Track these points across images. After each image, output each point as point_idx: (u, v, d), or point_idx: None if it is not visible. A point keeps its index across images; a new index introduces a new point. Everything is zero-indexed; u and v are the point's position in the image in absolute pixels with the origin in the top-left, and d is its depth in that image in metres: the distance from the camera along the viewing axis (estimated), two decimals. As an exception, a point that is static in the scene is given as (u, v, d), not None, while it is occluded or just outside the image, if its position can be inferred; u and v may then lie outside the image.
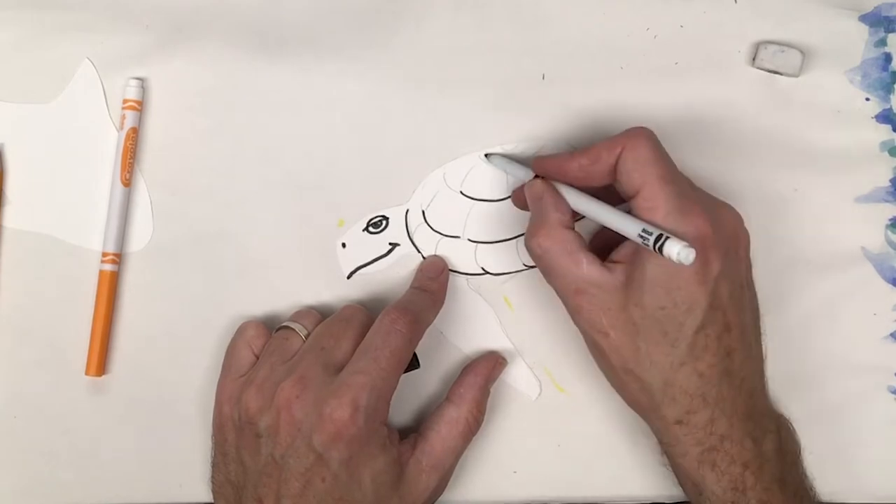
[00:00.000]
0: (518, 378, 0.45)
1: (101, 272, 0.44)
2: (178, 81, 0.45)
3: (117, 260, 0.44)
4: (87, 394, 0.44)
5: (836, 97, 0.45)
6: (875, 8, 0.46)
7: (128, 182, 0.44)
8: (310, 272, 0.45)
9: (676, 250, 0.33)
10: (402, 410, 0.44)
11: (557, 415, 0.44)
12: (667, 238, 0.34)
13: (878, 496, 0.45)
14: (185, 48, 0.45)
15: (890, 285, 0.45)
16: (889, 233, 0.45)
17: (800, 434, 0.41)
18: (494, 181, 0.45)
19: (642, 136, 0.38)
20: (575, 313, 0.39)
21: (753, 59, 0.45)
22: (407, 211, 0.45)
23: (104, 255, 0.44)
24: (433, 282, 0.43)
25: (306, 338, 0.40)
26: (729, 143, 0.45)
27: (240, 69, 0.45)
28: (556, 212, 0.39)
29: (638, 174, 0.37)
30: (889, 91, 0.46)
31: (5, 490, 0.43)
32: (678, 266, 0.34)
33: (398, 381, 0.38)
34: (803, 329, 0.45)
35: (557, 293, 0.39)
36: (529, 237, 0.39)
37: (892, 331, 0.45)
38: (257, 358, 0.41)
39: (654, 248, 0.34)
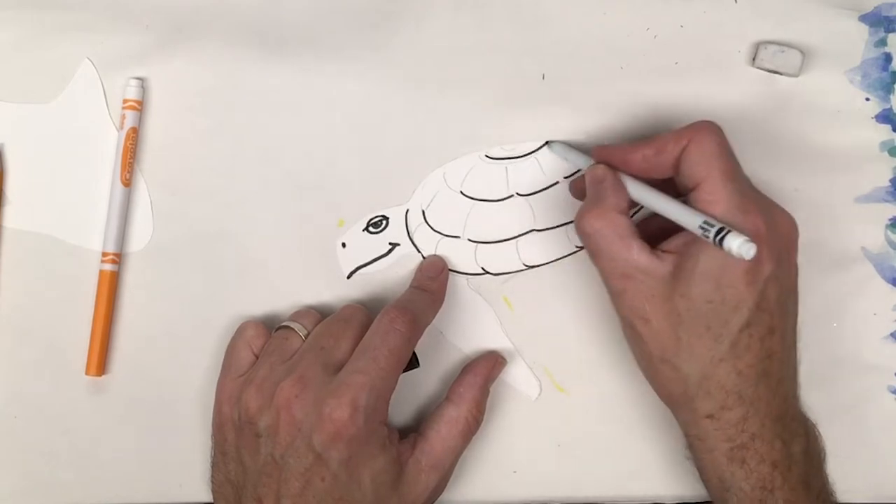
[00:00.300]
0: (518, 378, 0.45)
1: (101, 272, 0.44)
2: (178, 81, 0.45)
3: (117, 260, 0.44)
4: (87, 394, 0.44)
5: (836, 97, 0.45)
6: (875, 8, 0.46)
7: (128, 182, 0.44)
8: (310, 272, 0.45)
9: (738, 244, 0.33)
10: (402, 410, 0.44)
11: (557, 415, 0.44)
12: (728, 231, 0.34)
13: (878, 496, 0.45)
14: (185, 48, 0.45)
15: (890, 285, 0.45)
16: (889, 233, 0.45)
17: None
18: (494, 181, 0.45)
19: (709, 129, 0.38)
20: (617, 297, 0.38)
21: (753, 59, 0.45)
22: (407, 211, 0.45)
23: (104, 255, 0.44)
24: (433, 281, 0.43)
25: (306, 337, 0.40)
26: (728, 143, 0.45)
27: (240, 69, 0.45)
28: (613, 196, 0.38)
29: (702, 167, 0.37)
30: (889, 91, 0.46)
31: (5, 490, 0.43)
32: (731, 262, 0.35)
33: (397, 380, 0.38)
34: (803, 329, 0.45)
35: (602, 275, 0.39)
36: (581, 216, 0.39)
37: (892, 331, 0.45)
38: (257, 358, 0.41)
39: (714, 240, 0.34)
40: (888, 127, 0.45)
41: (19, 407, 0.44)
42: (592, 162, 0.41)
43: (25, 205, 0.44)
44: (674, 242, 0.38)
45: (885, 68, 0.46)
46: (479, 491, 0.44)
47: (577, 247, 0.45)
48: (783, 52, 0.45)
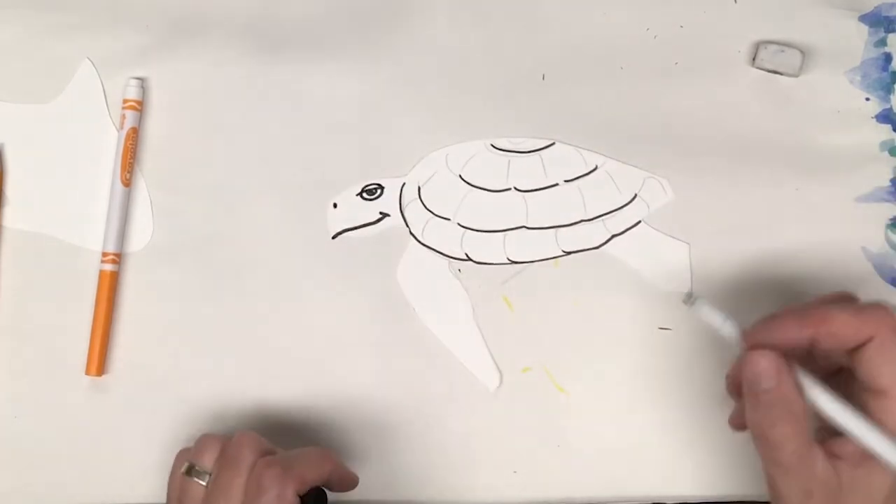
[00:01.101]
0: (479, 367, 0.44)
1: (102, 272, 0.44)
2: (178, 81, 0.45)
3: (117, 260, 0.44)
4: (87, 394, 0.44)
5: (836, 97, 0.45)
6: (875, 8, 0.46)
7: (128, 182, 0.44)
8: (309, 272, 0.45)
9: None
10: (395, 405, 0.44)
11: (557, 415, 0.44)
12: None
13: (879, 496, 0.44)
14: (185, 48, 0.45)
15: (890, 285, 0.45)
16: (889, 233, 0.45)
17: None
18: (495, 172, 0.45)
19: (894, 328, 0.33)
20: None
21: (753, 59, 0.45)
22: (403, 184, 0.45)
23: (104, 255, 0.44)
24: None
25: (207, 483, 0.38)
26: (729, 143, 0.45)
27: (240, 69, 0.45)
28: (797, 401, 0.33)
29: (889, 376, 0.32)
30: (889, 91, 0.46)
31: (5, 490, 0.43)
32: None
33: None
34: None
35: (782, 490, 0.34)
36: (769, 426, 0.33)
37: (892, 331, 0.45)
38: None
39: None
40: (888, 127, 0.45)
41: (19, 407, 0.44)
42: (738, 338, 0.35)
43: (25, 205, 0.44)
44: (849, 448, 0.33)
45: (885, 68, 0.46)
46: (480, 491, 0.44)
47: (563, 251, 0.45)
48: (783, 52, 0.45)
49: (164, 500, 0.43)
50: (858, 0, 0.46)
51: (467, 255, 0.45)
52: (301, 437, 0.44)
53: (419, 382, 0.44)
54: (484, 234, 0.45)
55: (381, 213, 0.45)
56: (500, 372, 0.44)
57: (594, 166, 0.45)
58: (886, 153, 0.45)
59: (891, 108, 0.46)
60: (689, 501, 0.44)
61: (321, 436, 0.44)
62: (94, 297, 0.43)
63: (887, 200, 0.45)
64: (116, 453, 0.44)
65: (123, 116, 0.44)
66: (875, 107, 0.46)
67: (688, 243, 0.45)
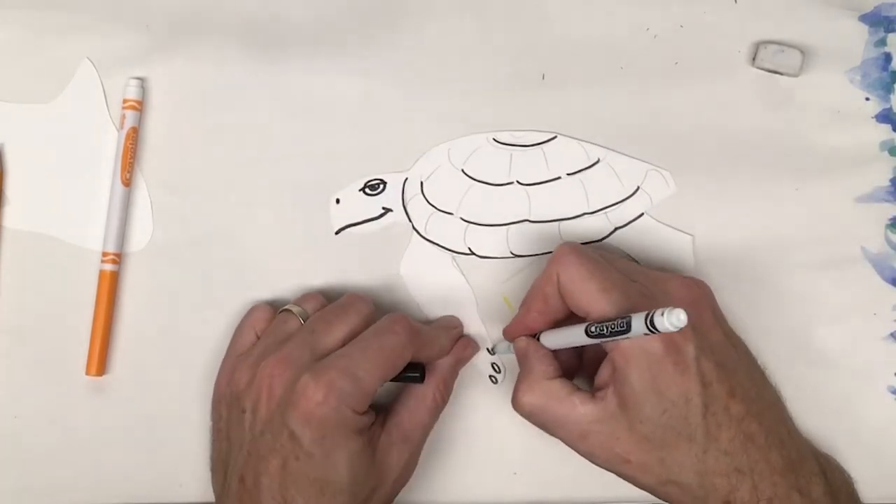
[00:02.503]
0: (482, 361, 0.44)
1: (102, 272, 0.44)
2: (178, 81, 0.45)
3: (118, 260, 0.44)
4: (87, 394, 0.44)
5: (836, 97, 0.45)
6: (875, 8, 0.46)
7: (128, 182, 0.44)
8: (311, 271, 0.45)
9: (667, 321, 0.31)
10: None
11: (557, 415, 0.44)
12: (652, 316, 0.32)
13: (878, 496, 0.44)
14: (185, 48, 0.45)
15: (890, 285, 0.45)
16: (889, 233, 0.45)
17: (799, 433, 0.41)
18: (497, 166, 0.45)
19: (567, 254, 0.38)
20: (590, 457, 0.38)
21: (753, 59, 0.45)
22: (406, 179, 0.45)
23: (104, 255, 0.44)
24: (446, 328, 0.43)
25: (305, 320, 0.41)
26: (729, 143, 0.45)
27: (240, 69, 0.45)
28: (540, 364, 0.39)
29: (579, 297, 0.37)
30: (889, 91, 0.46)
31: (5, 490, 0.43)
32: (657, 366, 0.35)
33: (385, 379, 0.38)
34: (803, 329, 0.45)
35: (565, 443, 0.39)
36: (515, 398, 0.39)
37: (892, 331, 0.45)
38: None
39: (649, 329, 0.32)
40: (888, 127, 0.45)
41: (19, 407, 0.44)
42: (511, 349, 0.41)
43: (25, 205, 0.44)
44: (602, 376, 0.38)
45: (885, 68, 0.46)
46: (479, 491, 0.44)
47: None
48: (783, 51, 0.45)
49: (164, 501, 0.43)
50: (858, 0, 0.46)
51: (470, 250, 0.45)
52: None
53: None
54: (487, 227, 0.45)
55: (383, 208, 0.45)
56: (504, 368, 0.44)
57: (596, 159, 0.45)
58: (886, 153, 0.45)
59: (891, 108, 0.46)
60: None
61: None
62: (94, 297, 0.43)
63: (887, 200, 0.45)
64: (116, 453, 0.44)
65: (123, 116, 0.44)
66: (875, 107, 0.46)
67: (691, 235, 0.45)
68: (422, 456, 0.41)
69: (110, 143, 0.44)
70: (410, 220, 0.45)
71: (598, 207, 0.45)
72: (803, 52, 0.45)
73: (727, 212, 0.45)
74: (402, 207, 0.45)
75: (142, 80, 0.44)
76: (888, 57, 0.46)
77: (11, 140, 0.44)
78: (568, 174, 0.45)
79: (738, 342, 0.40)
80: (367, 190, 0.45)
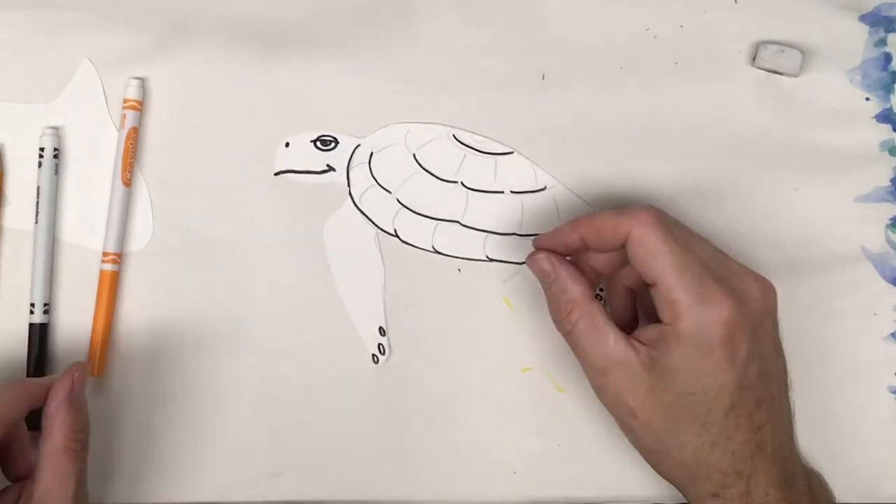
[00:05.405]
0: (369, 339, 0.44)
1: (102, 272, 0.44)
2: (178, 81, 0.45)
3: (118, 260, 0.44)
4: (87, 394, 0.44)
5: (836, 97, 0.45)
6: (875, 8, 0.46)
7: (128, 182, 0.44)
8: (309, 271, 0.45)
9: None
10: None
11: (557, 415, 0.44)
12: None
13: (879, 496, 0.44)
14: (185, 48, 0.45)
15: (890, 285, 0.45)
16: (889, 233, 0.45)
17: (799, 434, 0.41)
18: (449, 162, 0.45)
19: (649, 222, 0.37)
20: (600, 392, 0.38)
21: (753, 59, 0.45)
22: (358, 145, 0.45)
23: (105, 254, 0.44)
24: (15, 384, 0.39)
25: None
26: (729, 143, 0.45)
27: (240, 69, 0.45)
28: (577, 283, 0.38)
29: (651, 266, 0.36)
30: (889, 91, 0.46)
31: (5, 490, 0.43)
32: (706, 353, 0.35)
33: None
34: (803, 329, 0.45)
35: (584, 369, 0.39)
36: (559, 313, 0.39)
37: (892, 331, 0.45)
38: None
39: None
40: (888, 127, 0.46)
41: (19, 407, 0.44)
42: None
43: (25, 205, 0.44)
44: (647, 334, 0.37)
45: (885, 68, 0.46)
46: (479, 491, 0.44)
47: (487, 257, 0.45)
48: (783, 52, 0.45)
49: (164, 500, 0.43)
50: (858, 0, 0.46)
51: (396, 231, 0.45)
52: (301, 434, 0.44)
53: (422, 383, 0.44)
54: (418, 216, 0.45)
55: (328, 165, 0.45)
56: (390, 349, 0.44)
57: (543, 186, 0.45)
58: (886, 153, 0.45)
59: (891, 108, 0.46)
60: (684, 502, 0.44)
61: (321, 434, 0.44)
62: (95, 297, 0.44)
63: (887, 200, 0.45)
64: (116, 453, 0.44)
65: (124, 116, 0.44)
66: (875, 107, 0.46)
67: None
68: (422, 456, 0.41)
69: (110, 143, 0.44)
70: (349, 185, 0.45)
71: (530, 232, 0.45)
72: (803, 52, 0.45)
73: (727, 212, 0.45)
74: (345, 170, 0.45)
75: (142, 80, 0.44)
76: (888, 57, 0.46)
77: (11, 140, 0.44)
78: (512, 192, 0.45)
79: (782, 353, 0.40)
80: (318, 143, 0.44)
